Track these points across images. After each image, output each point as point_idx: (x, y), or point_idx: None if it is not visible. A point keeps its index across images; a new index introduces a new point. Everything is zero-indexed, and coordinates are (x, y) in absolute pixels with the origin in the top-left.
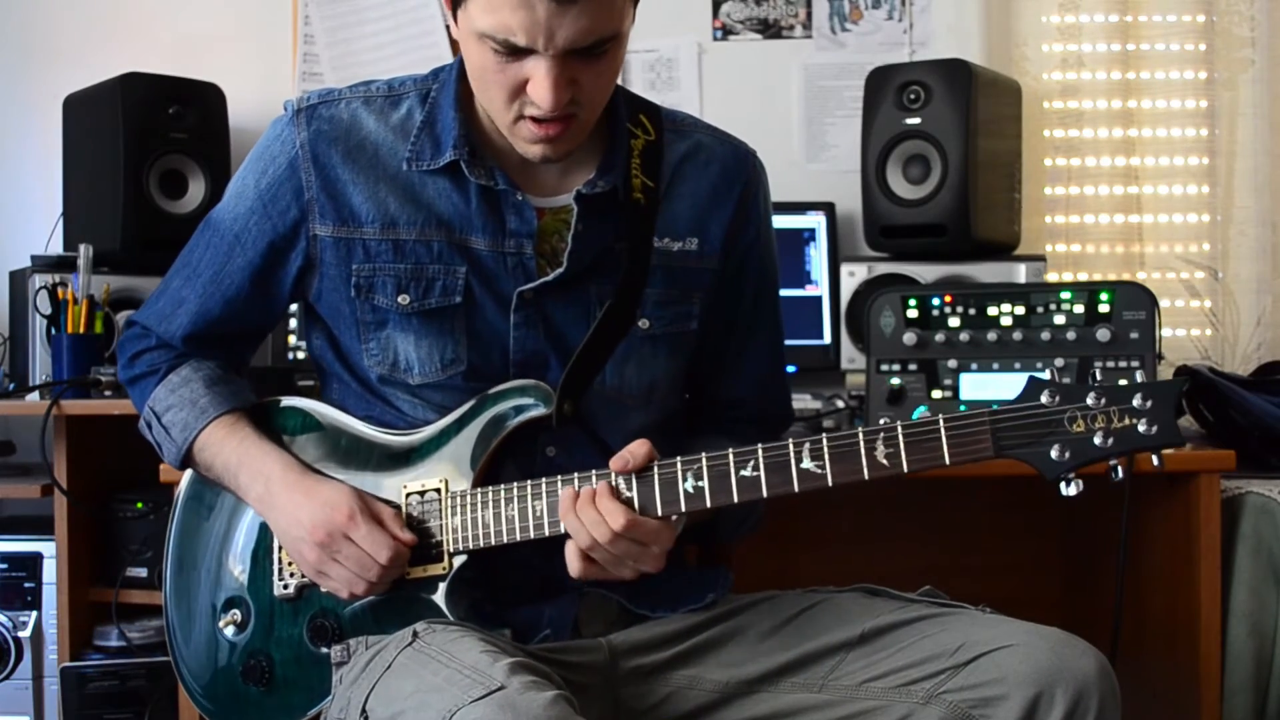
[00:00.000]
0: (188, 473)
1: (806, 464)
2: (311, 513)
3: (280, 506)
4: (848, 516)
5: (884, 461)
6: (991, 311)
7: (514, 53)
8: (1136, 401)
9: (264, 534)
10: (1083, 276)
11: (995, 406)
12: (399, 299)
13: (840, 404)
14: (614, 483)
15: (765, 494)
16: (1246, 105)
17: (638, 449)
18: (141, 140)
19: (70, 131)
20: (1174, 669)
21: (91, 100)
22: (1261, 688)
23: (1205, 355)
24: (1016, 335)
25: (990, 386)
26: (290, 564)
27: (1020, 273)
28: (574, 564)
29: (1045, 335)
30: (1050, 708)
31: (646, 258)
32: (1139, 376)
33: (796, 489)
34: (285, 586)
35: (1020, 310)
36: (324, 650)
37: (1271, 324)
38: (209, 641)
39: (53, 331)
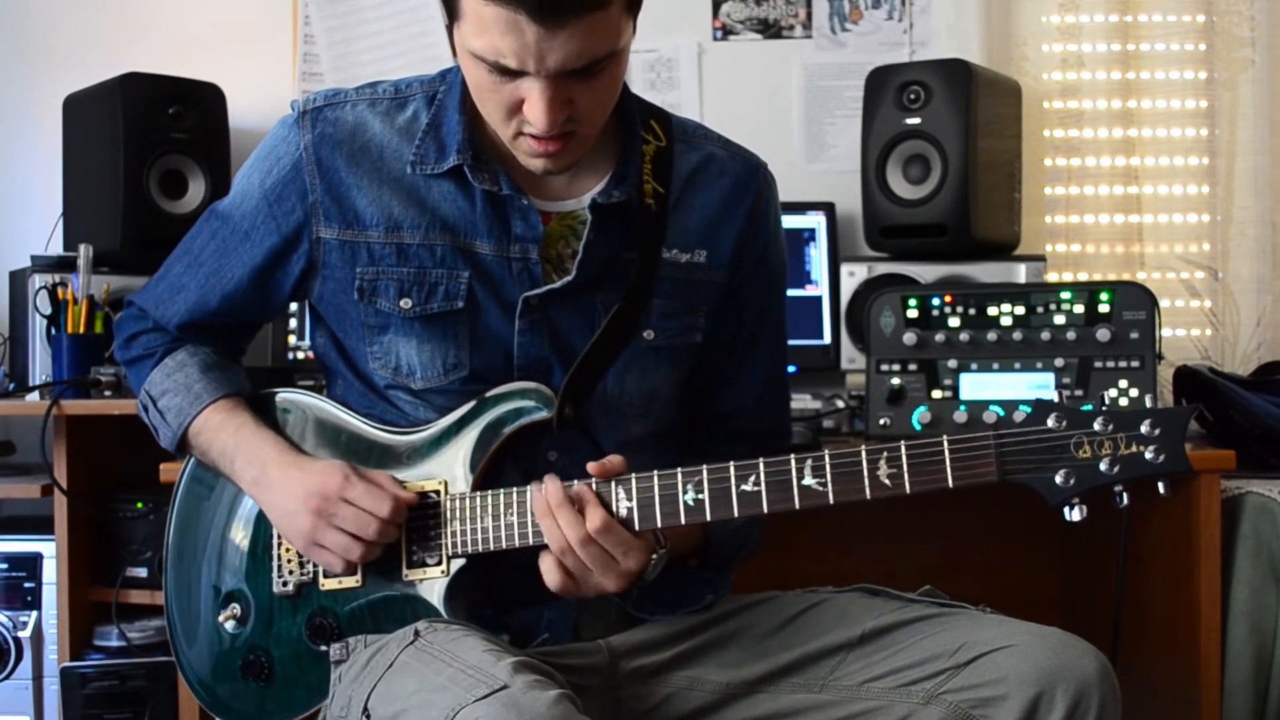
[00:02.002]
0: (188, 464)
1: (808, 480)
2: (305, 483)
3: (274, 486)
4: (848, 516)
5: (886, 481)
6: (991, 311)
7: (506, 73)
8: (1144, 428)
9: (264, 528)
10: (1083, 276)
11: (995, 409)
12: (401, 303)
13: (840, 404)
14: (614, 492)
15: (766, 509)
16: (1246, 105)
17: (614, 459)
18: (141, 140)
19: (70, 131)
20: (1174, 669)
21: (91, 100)
22: (1261, 687)
23: (1205, 355)
24: (1016, 335)
25: (990, 386)
26: (290, 561)
27: (1020, 273)
28: (550, 574)
29: (1045, 335)
30: (1051, 708)
31: (655, 266)
32: (1147, 400)
33: (798, 506)
34: (285, 584)
35: (1020, 310)
36: (323, 648)
37: (1271, 324)
38: (209, 634)
39: (53, 331)
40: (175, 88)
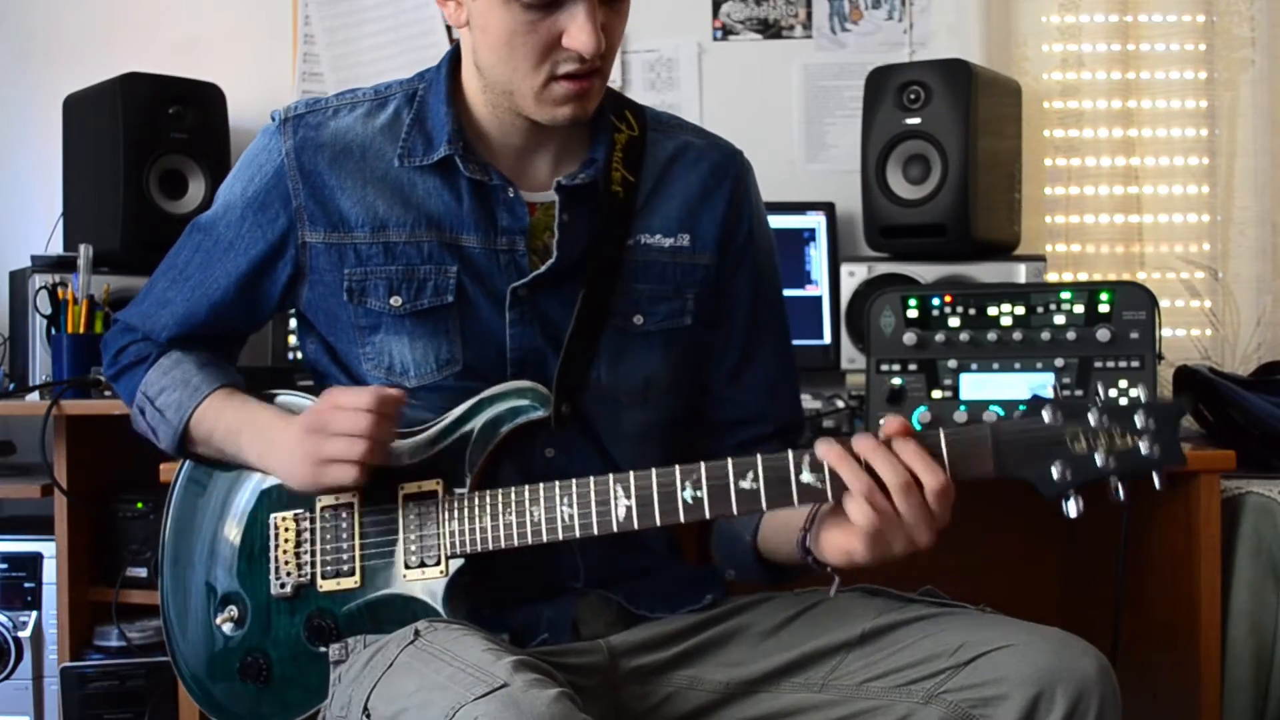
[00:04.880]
0: (182, 466)
1: (806, 477)
2: (298, 421)
3: (279, 441)
4: None
5: None
6: (991, 311)
7: (546, 6)
8: (1139, 421)
9: (261, 530)
10: (1083, 276)
11: (995, 409)
12: (391, 301)
13: (840, 404)
14: (612, 490)
15: (765, 507)
16: (1246, 105)
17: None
18: (141, 140)
19: (70, 131)
20: (1174, 669)
21: (91, 100)
22: (1261, 687)
23: (1205, 355)
24: (1016, 335)
25: (990, 387)
26: (287, 563)
27: (1020, 273)
28: (863, 524)
29: (1045, 335)
30: (1050, 708)
31: (620, 250)
32: (1142, 394)
33: (796, 503)
34: (282, 585)
35: (1020, 310)
36: (322, 649)
37: (1271, 324)
38: (206, 637)
39: (53, 331)
40: (175, 88)
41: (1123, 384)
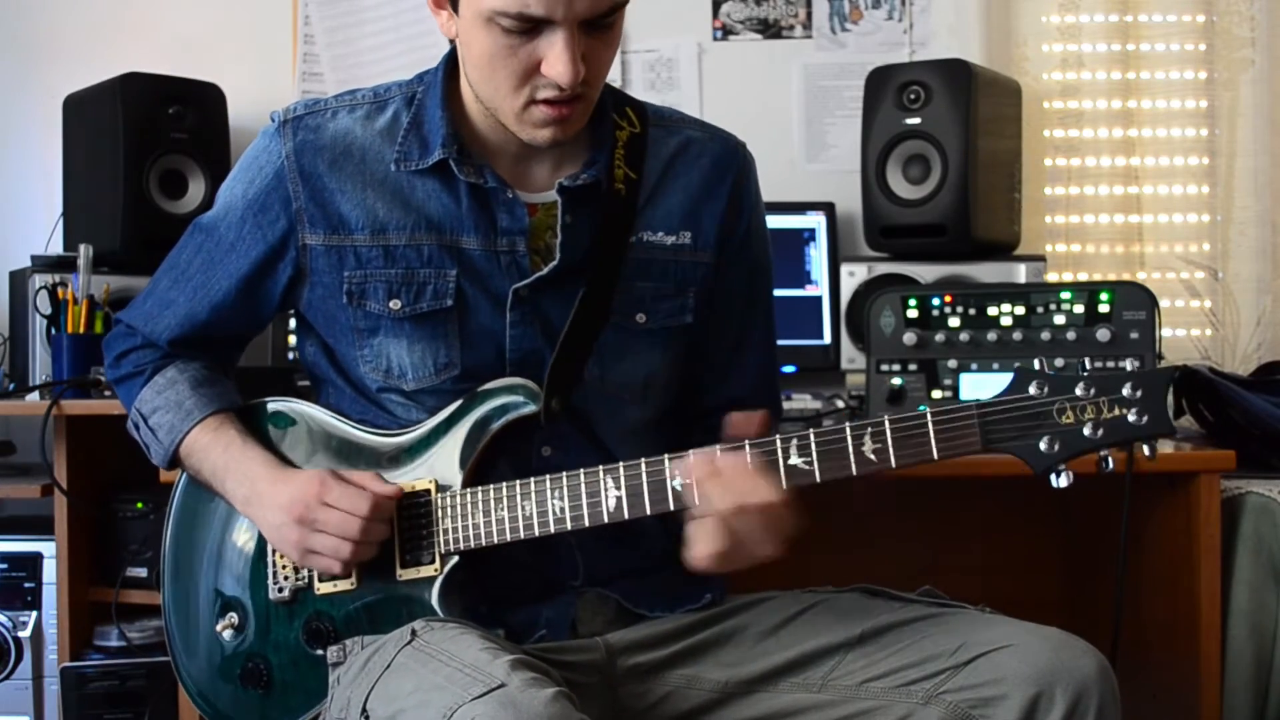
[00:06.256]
0: (182, 475)
1: (794, 460)
2: (289, 494)
3: (264, 503)
4: (846, 515)
5: (871, 457)
6: (991, 311)
7: (526, 33)
8: (1126, 391)
9: (258, 537)
10: (1083, 276)
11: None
12: (390, 304)
13: (840, 404)
14: (602, 482)
15: None
16: (1246, 105)
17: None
18: (141, 140)
19: (70, 131)
20: (1174, 669)
21: (91, 100)
22: (1261, 688)
23: (1205, 355)
24: (1016, 335)
25: (990, 386)
26: (284, 567)
27: (1020, 273)
28: (705, 546)
29: (1045, 335)
30: (1050, 708)
31: (622, 248)
32: (1129, 364)
33: (784, 485)
34: (280, 590)
35: (1020, 310)
36: (320, 652)
37: (1271, 324)
38: (208, 644)
39: (53, 331)
40: (175, 88)
41: (1112, 373)
